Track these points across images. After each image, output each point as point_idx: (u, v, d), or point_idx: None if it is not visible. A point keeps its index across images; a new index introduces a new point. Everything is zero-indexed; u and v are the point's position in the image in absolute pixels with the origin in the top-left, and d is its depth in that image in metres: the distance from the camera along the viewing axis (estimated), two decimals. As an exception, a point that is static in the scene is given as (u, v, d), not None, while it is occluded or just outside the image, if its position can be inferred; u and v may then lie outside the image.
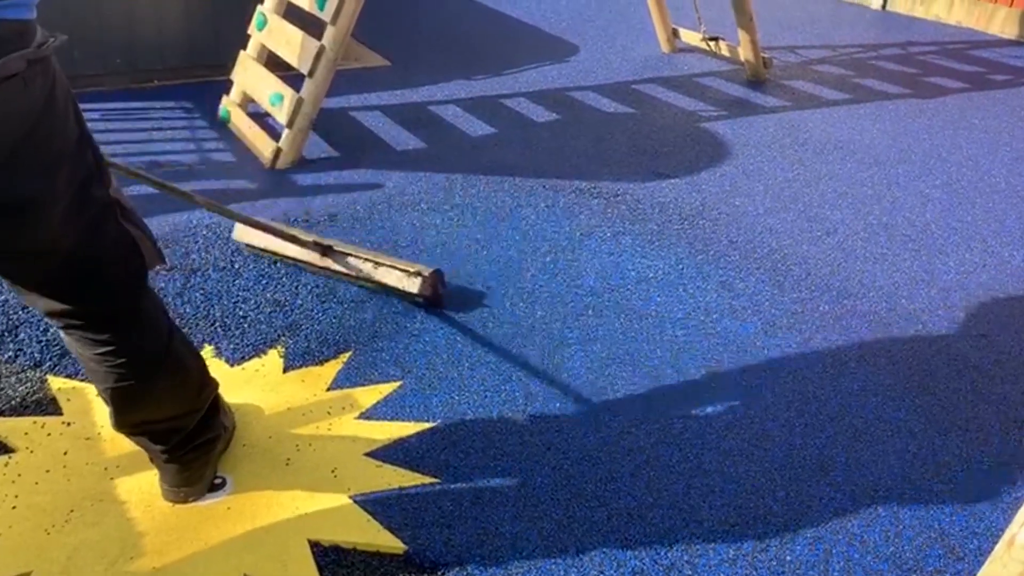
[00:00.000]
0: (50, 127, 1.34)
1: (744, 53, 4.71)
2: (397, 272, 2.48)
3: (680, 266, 2.84)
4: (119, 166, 1.81)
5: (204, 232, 2.88)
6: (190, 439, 1.74)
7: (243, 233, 2.75)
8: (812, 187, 3.49)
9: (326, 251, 2.58)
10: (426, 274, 2.45)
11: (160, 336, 1.64)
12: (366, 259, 2.55)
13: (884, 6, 6.58)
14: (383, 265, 2.52)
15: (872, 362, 2.39)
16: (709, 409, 2.17)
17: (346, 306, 2.52)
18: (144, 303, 1.62)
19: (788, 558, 1.75)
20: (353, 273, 2.56)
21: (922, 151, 3.91)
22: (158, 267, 1.64)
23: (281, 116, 3.42)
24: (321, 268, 2.62)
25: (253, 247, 2.75)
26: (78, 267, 1.47)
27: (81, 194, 1.43)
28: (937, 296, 2.75)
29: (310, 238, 2.56)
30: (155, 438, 1.70)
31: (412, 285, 2.45)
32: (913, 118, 4.33)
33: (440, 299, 2.54)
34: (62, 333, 1.58)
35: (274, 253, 2.71)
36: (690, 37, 5.13)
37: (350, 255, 2.56)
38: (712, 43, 4.97)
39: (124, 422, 1.66)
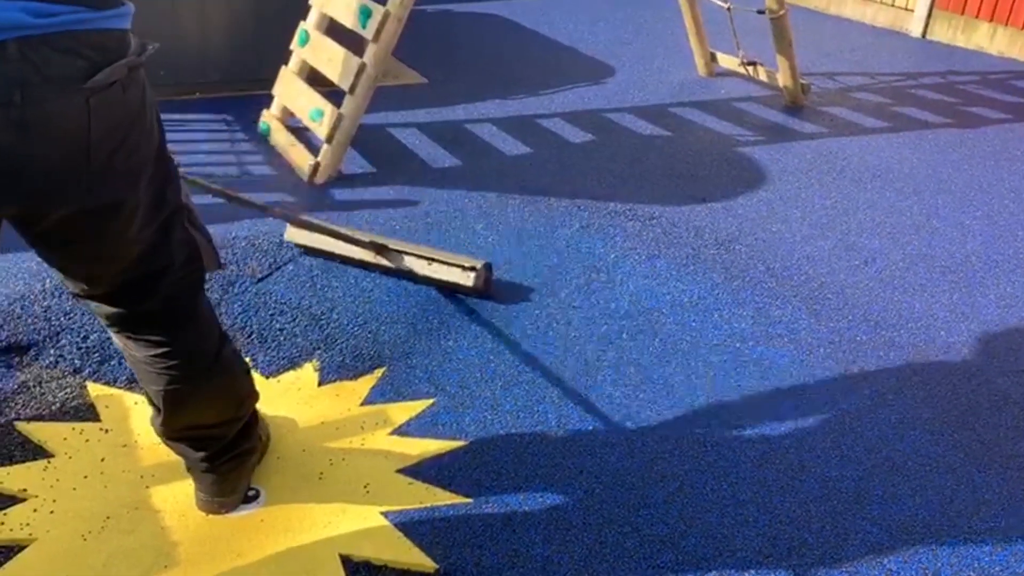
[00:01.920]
0: (140, 133, 1.39)
1: (782, 79, 4.69)
2: (453, 269, 2.63)
3: (715, 291, 2.82)
4: (189, 179, 1.88)
5: (242, 244, 2.91)
6: (229, 448, 1.75)
7: (296, 234, 2.86)
8: (850, 215, 3.46)
9: (381, 250, 2.71)
10: (479, 267, 2.62)
11: (212, 341, 1.67)
12: (420, 256, 2.68)
13: (924, 34, 6.53)
14: (436, 261, 2.65)
15: (910, 395, 2.36)
16: (744, 437, 2.15)
17: (381, 322, 2.53)
18: (200, 307, 1.65)
19: (823, 592, 1.72)
20: (407, 270, 2.70)
21: (962, 181, 3.87)
22: (215, 271, 1.67)
23: (321, 131, 3.46)
24: (376, 265, 2.77)
25: (307, 247, 2.86)
26: (146, 270, 1.51)
27: (158, 199, 1.48)
28: (977, 329, 2.70)
29: (367, 237, 2.70)
30: (196, 445, 1.72)
31: (467, 279, 2.60)
32: (953, 148, 4.28)
33: (490, 289, 2.69)
34: (115, 336, 1.61)
35: (330, 253, 2.83)
36: (728, 61, 5.12)
37: (405, 253, 2.69)
38: (750, 68, 4.96)
39: (171, 425, 1.69)
